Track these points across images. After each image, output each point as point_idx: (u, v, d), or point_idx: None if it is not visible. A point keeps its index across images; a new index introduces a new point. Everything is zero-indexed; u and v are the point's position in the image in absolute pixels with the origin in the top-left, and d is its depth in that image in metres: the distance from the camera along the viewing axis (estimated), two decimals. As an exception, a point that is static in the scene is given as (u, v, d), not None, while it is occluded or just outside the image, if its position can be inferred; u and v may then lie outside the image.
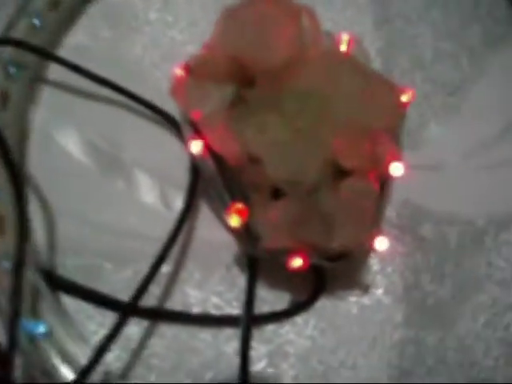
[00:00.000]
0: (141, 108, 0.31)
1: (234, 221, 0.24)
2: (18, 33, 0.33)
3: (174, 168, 0.30)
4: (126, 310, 0.27)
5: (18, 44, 0.32)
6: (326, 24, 0.35)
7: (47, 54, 0.33)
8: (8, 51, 0.32)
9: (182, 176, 0.29)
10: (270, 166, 0.23)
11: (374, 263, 0.29)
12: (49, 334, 0.26)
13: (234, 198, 0.25)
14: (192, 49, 0.32)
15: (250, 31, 0.23)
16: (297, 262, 0.24)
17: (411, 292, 0.30)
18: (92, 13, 0.36)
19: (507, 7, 0.40)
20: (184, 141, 0.27)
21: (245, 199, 0.25)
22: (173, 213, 0.29)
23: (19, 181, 0.27)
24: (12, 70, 0.32)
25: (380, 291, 0.29)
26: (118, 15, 0.35)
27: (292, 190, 0.23)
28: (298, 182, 0.23)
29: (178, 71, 0.25)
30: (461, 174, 0.33)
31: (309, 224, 0.24)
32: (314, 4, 0.36)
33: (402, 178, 0.26)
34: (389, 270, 0.30)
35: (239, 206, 0.24)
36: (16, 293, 0.24)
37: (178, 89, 0.25)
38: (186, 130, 0.26)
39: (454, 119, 0.35)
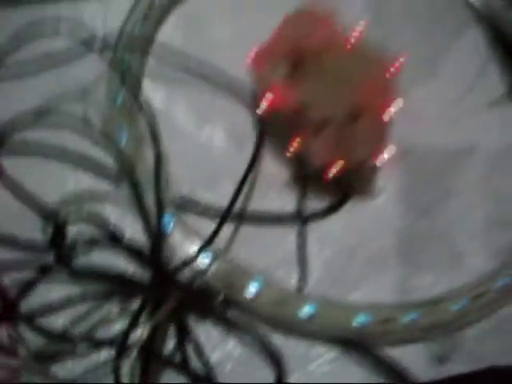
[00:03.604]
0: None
1: (296, 148, 0.39)
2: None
3: (245, 125, 0.45)
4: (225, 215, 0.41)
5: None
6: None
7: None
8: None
9: (250, 131, 0.44)
10: (316, 107, 0.38)
11: (380, 179, 0.44)
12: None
13: (295, 135, 0.39)
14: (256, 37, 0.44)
15: (302, 28, 0.38)
16: (333, 172, 0.39)
17: (406, 196, 0.44)
18: (174, 20, 0.50)
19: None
20: (256, 101, 0.41)
21: (300, 135, 0.39)
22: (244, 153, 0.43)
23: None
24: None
25: (385, 196, 0.44)
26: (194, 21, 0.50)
27: (329, 123, 0.38)
28: (333, 116, 0.38)
29: (253, 54, 0.40)
30: (437, 119, 0.47)
31: (342, 145, 0.38)
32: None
33: (397, 119, 0.41)
34: (389, 184, 0.44)
35: (298, 139, 0.39)
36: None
37: (255, 65, 0.40)
38: (259, 92, 0.41)
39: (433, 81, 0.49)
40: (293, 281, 0.41)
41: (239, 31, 0.49)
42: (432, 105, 0.48)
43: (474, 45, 0.52)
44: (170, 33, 0.49)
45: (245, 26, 0.49)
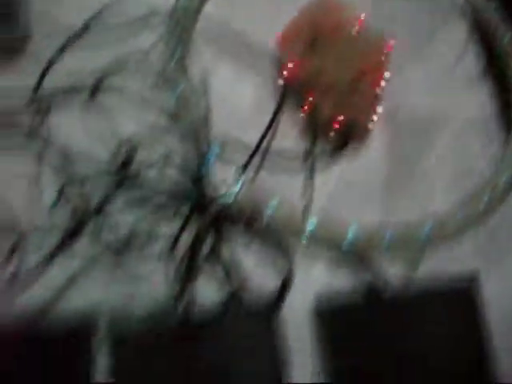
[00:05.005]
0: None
1: (309, 104, 0.52)
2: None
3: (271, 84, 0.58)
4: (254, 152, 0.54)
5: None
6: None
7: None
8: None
9: (276, 89, 0.57)
10: (325, 74, 0.51)
11: (373, 132, 0.57)
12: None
13: (308, 94, 0.53)
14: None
15: (317, 15, 0.51)
16: (337, 123, 0.53)
17: (392, 146, 0.58)
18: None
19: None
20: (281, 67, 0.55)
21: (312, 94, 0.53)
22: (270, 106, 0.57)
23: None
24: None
25: (375, 145, 0.57)
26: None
27: (334, 87, 0.51)
28: (337, 82, 0.51)
29: (279, 36, 0.54)
30: (421, 90, 0.60)
31: (343, 104, 0.52)
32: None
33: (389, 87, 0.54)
34: (379, 136, 0.58)
35: (310, 98, 0.52)
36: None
37: (279, 44, 0.53)
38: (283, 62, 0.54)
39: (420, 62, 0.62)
40: (301, 203, 0.54)
41: (272, 5, 0.62)
42: (418, 78, 0.61)
43: (456, 32, 0.65)
44: (214, 5, 0.62)
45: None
